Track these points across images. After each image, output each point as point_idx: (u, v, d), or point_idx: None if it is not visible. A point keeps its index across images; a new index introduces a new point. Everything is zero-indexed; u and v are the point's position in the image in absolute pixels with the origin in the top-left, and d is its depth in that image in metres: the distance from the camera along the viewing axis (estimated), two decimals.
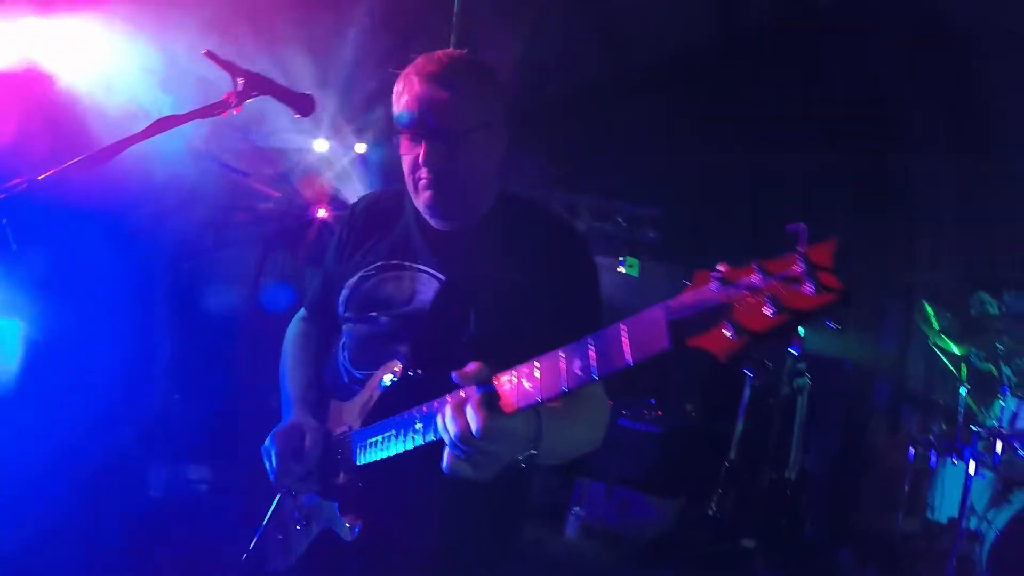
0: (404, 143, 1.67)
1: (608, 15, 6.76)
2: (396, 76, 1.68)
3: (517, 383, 1.21)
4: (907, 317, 7.14)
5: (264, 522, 1.92)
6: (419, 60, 1.67)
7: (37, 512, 3.41)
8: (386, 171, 6.61)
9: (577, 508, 5.42)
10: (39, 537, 3.41)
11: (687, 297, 1.00)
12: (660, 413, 5.98)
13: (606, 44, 6.97)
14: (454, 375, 1.27)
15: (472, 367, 1.27)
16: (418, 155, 1.63)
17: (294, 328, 2.09)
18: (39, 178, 1.70)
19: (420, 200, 1.70)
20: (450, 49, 1.71)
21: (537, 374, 1.19)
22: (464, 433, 1.23)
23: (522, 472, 1.39)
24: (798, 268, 0.93)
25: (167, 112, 1.81)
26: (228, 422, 5.02)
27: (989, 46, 6.73)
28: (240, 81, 1.84)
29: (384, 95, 1.75)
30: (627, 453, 5.57)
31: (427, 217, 1.75)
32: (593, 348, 1.10)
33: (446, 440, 1.29)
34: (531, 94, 6.08)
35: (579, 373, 1.11)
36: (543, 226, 1.76)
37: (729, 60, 7.42)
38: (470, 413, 1.24)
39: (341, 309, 1.82)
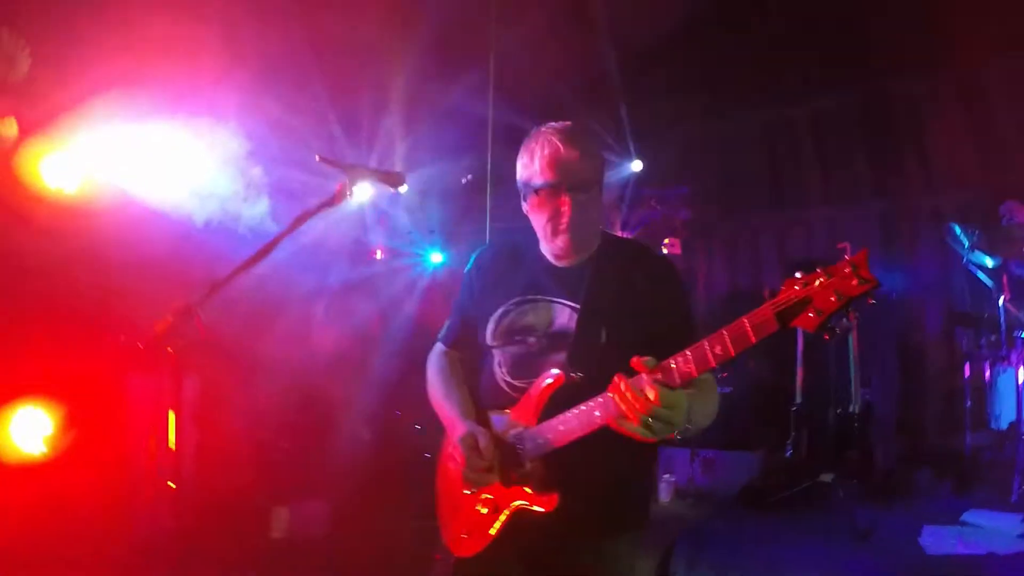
0: (539, 199, 2.11)
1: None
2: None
3: (677, 366, 1.74)
4: (941, 240, 7.31)
5: (449, 526, 2.25)
6: (544, 131, 2.12)
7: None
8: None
9: (667, 475, 5.75)
10: None
11: (782, 296, 1.59)
12: (726, 375, 6.30)
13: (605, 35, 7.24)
14: (632, 361, 1.76)
15: (638, 359, 1.76)
16: (556, 207, 2.08)
17: (439, 360, 2.44)
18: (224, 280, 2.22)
19: (556, 243, 2.13)
20: (564, 122, 2.15)
21: (689, 355, 1.72)
22: (645, 403, 1.73)
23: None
24: (848, 270, 1.55)
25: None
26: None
27: None
28: (347, 175, 2.35)
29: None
30: None
31: (552, 258, 2.20)
32: (727, 335, 1.66)
33: (630, 414, 1.75)
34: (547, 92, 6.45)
35: (720, 352, 1.68)
36: (642, 258, 2.22)
37: (717, 24, 7.65)
38: (648, 388, 1.74)
39: (489, 339, 2.23)
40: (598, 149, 2.16)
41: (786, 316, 1.59)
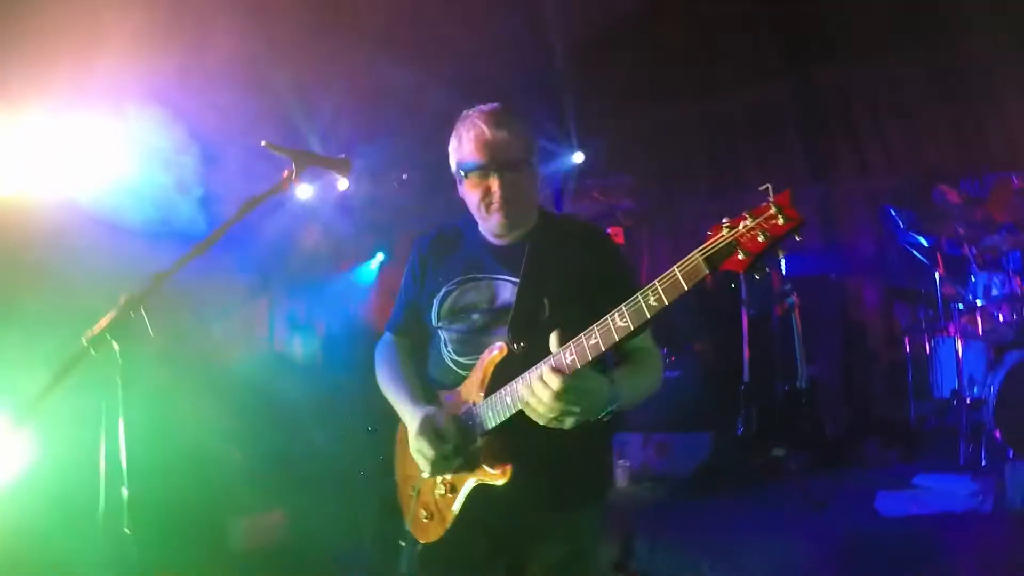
0: (471, 181, 2.14)
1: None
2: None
3: (613, 321, 1.73)
4: (876, 221, 7.49)
5: (410, 511, 2.24)
6: (471, 115, 2.16)
7: None
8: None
9: (622, 461, 5.77)
10: None
11: (709, 241, 1.58)
12: (673, 359, 6.38)
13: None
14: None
15: (553, 339, 1.80)
16: (487, 187, 2.11)
17: (387, 348, 2.45)
18: (169, 271, 2.11)
19: (491, 222, 2.16)
20: (490, 104, 2.19)
21: (625, 310, 1.70)
22: (544, 397, 1.76)
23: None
24: (772, 211, 1.53)
25: None
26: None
27: None
28: (294, 161, 2.29)
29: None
30: (654, 401, 5.90)
31: (490, 237, 2.24)
32: (659, 285, 1.64)
33: (538, 408, 1.79)
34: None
35: (655, 304, 1.65)
36: (580, 231, 2.26)
37: (657, 16, 7.79)
38: (549, 378, 1.75)
39: (434, 319, 2.24)
40: (526, 129, 2.18)
41: (715, 260, 1.58)
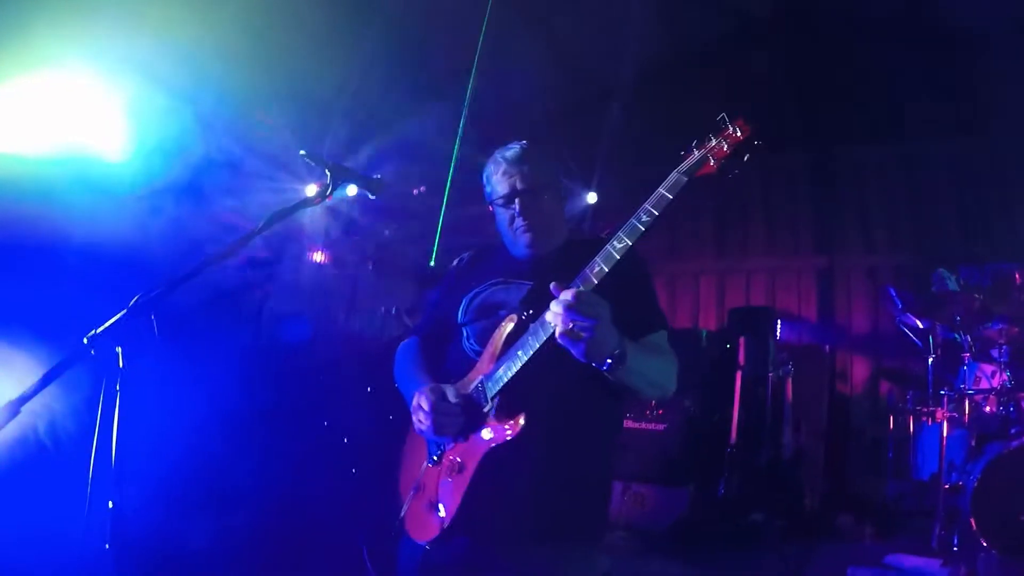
0: (499, 211, 2.40)
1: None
2: None
3: (584, 276, 1.93)
4: (875, 298, 7.65)
5: (406, 506, 2.26)
6: (496, 155, 2.41)
7: None
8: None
9: None
10: None
11: (684, 161, 1.90)
12: (661, 412, 6.39)
13: None
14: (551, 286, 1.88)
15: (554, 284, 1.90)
16: (512, 213, 2.34)
17: (409, 348, 2.55)
18: (178, 280, 2.08)
19: (520, 244, 2.37)
20: (514, 143, 2.43)
21: (621, 232, 1.90)
22: (565, 304, 1.81)
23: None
24: (729, 128, 1.88)
25: None
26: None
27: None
28: (328, 173, 2.33)
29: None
30: (636, 452, 5.84)
31: (519, 252, 2.40)
32: (647, 204, 1.89)
33: (557, 321, 1.84)
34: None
35: (647, 219, 1.88)
36: (601, 242, 2.27)
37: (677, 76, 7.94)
38: (565, 293, 1.84)
39: (460, 317, 2.37)
40: (547, 158, 2.41)
41: (691, 172, 1.89)
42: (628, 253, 2.16)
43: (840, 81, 8.08)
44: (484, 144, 2.63)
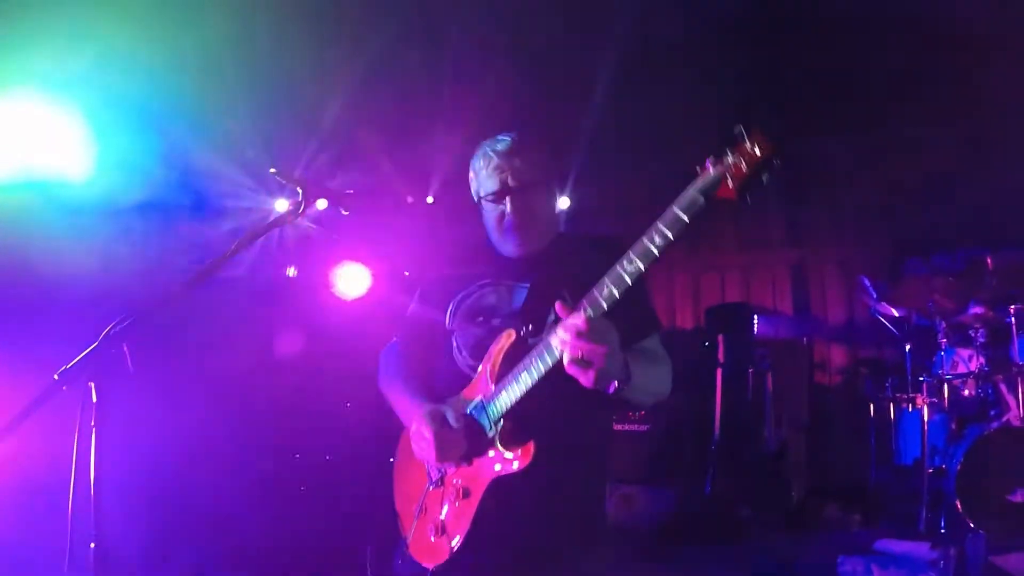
0: (487, 206, 2.27)
1: None
2: None
3: (622, 265, 1.79)
4: (849, 290, 7.71)
5: (412, 532, 2.17)
6: (485, 146, 2.27)
7: None
8: None
9: None
10: None
11: (700, 178, 1.73)
12: (643, 413, 6.38)
13: None
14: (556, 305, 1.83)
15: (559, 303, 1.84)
16: (501, 210, 2.22)
17: (393, 352, 2.47)
18: (152, 304, 2.04)
19: (508, 242, 2.25)
20: (503, 135, 2.28)
21: (631, 254, 1.78)
22: (575, 330, 1.74)
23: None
24: (747, 144, 1.70)
25: None
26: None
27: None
28: (300, 190, 2.28)
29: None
30: (621, 453, 5.82)
31: (507, 251, 2.29)
32: (661, 224, 1.74)
33: (565, 348, 1.76)
34: None
35: (660, 242, 1.74)
36: (599, 239, 2.31)
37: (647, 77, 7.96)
38: (575, 318, 1.76)
39: (449, 322, 2.28)
40: (540, 151, 2.28)
41: (708, 191, 1.72)
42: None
43: (808, 74, 8.17)
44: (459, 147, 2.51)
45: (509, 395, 1.99)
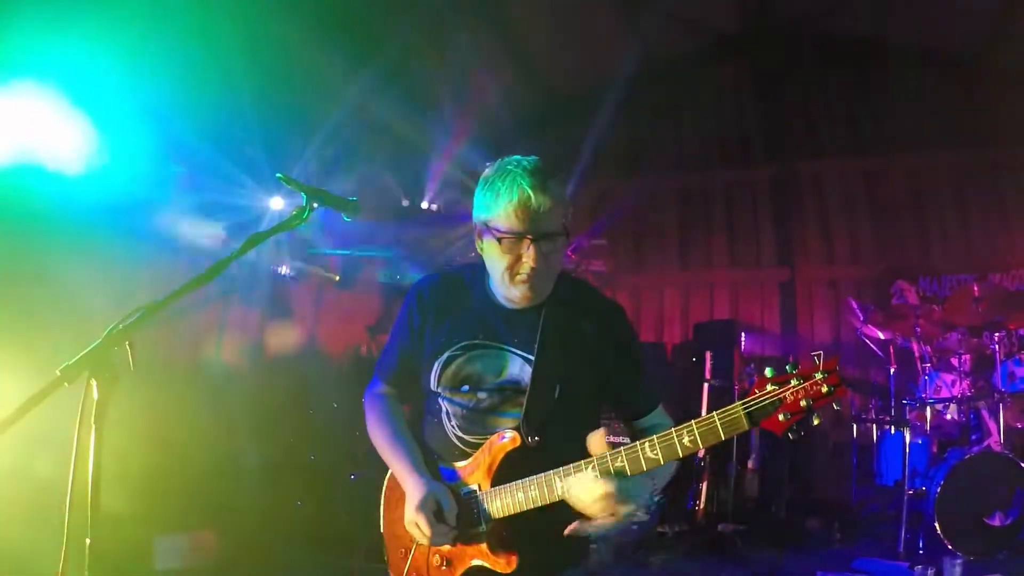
0: (501, 244, 1.98)
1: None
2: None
3: (644, 454, 1.80)
4: (836, 310, 7.80)
5: (399, 571, 2.17)
6: (512, 170, 1.97)
7: None
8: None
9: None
10: None
11: (754, 396, 1.64)
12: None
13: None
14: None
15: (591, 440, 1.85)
16: (518, 255, 1.97)
17: (381, 401, 2.33)
18: (159, 303, 2.06)
19: (513, 290, 2.03)
20: (531, 160, 2.02)
21: (657, 445, 1.79)
22: (607, 497, 1.79)
23: None
24: (819, 376, 1.61)
25: None
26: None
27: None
28: (305, 196, 2.31)
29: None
30: None
31: (504, 300, 2.11)
32: (696, 428, 1.71)
33: (591, 512, 1.83)
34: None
35: (689, 444, 1.74)
36: (592, 301, 2.20)
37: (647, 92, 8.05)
38: (608, 485, 1.79)
39: (434, 384, 2.14)
40: (563, 191, 2.04)
41: (756, 416, 1.66)
42: (624, 328, 2.15)
43: (802, 96, 8.30)
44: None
45: (503, 505, 2.00)
